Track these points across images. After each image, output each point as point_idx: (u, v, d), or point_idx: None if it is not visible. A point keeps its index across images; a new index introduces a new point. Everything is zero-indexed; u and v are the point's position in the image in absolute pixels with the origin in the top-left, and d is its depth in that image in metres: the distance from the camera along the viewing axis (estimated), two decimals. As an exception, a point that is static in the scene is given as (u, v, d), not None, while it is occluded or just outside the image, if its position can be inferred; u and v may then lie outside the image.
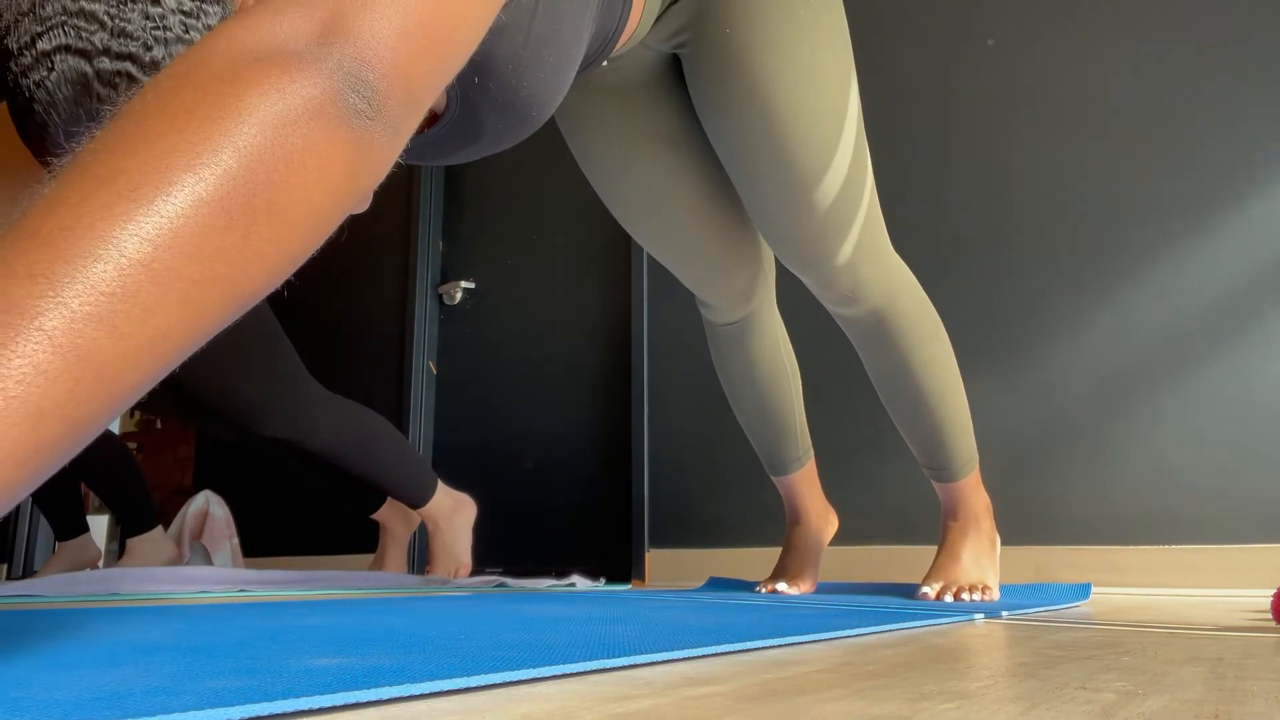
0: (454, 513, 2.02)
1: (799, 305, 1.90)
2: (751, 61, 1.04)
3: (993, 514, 1.43)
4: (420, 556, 2.78)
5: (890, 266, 1.24)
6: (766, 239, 1.21)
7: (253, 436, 1.88)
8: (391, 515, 2.09)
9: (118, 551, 3.03)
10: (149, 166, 0.42)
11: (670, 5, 1.03)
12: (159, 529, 2.30)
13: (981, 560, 1.36)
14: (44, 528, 3.96)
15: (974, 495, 1.39)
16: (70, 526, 2.36)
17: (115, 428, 4.66)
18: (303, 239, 0.49)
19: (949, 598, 1.27)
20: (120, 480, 2.24)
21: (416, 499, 1.96)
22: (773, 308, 1.45)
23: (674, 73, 1.18)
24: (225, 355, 1.68)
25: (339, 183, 0.50)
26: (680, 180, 1.22)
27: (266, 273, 0.47)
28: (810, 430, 2.08)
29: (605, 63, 1.02)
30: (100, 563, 2.47)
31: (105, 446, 2.24)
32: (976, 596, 1.28)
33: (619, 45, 0.99)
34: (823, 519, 1.58)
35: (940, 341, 1.31)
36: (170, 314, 0.43)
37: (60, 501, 2.33)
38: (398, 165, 0.57)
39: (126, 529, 2.27)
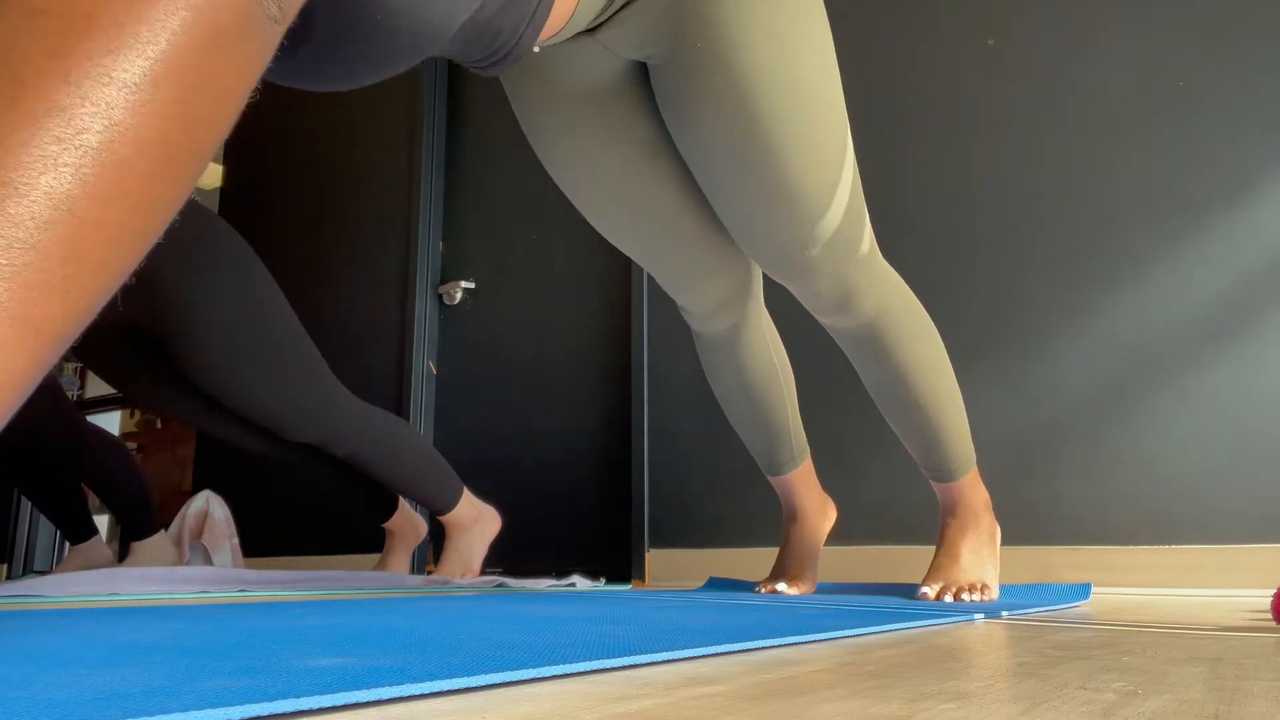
0: (474, 522, 2.02)
1: (797, 304, 1.90)
2: (725, 76, 0.98)
3: (991, 507, 1.42)
4: (422, 558, 2.78)
5: (879, 275, 1.21)
6: (745, 251, 1.17)
7: (280, 443, 1.90)
8: (402, 523, 2.09)
9: (118, 553, 3.04)
10: (88, 103, 0.39)
11: (626, 4, 0.96)
12: (161, 533, 2.30)
13: (981, 555, 1.36)
14: (44, 528, 3.96)
15: (972, 492, 1.39)
16: (80, 530, 2.36)
17: (115, 428, 4.66)
18: (210, 157, 0.46)
19: (949, 598, 1.27)
20: (125, 486, 2.24)
21: (439, 506, 1.96)
22: (761, 314, 1.42)
23: (644, 79, 1.12)
24: (256, 362, 1.69)
25: (246, 93, 0.47)
26: (653, 188, 1.17)
27: (182, 202, 0.45)
28: (810, 429, 2.09)
29: (538, 48, 0.91)
30: (111, 565, 2.47)
31: (112, 453, 2.24)
32: (976, 597, 1.28)
33: (551, 29, 0.89)
34: (819, 514, 1.58)
35: (933, 346, 1.29)
36: (113, 272, 0.41)
37: (66, 507, 2.33)
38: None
39: (129, 533, 2.27)
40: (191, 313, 1.64)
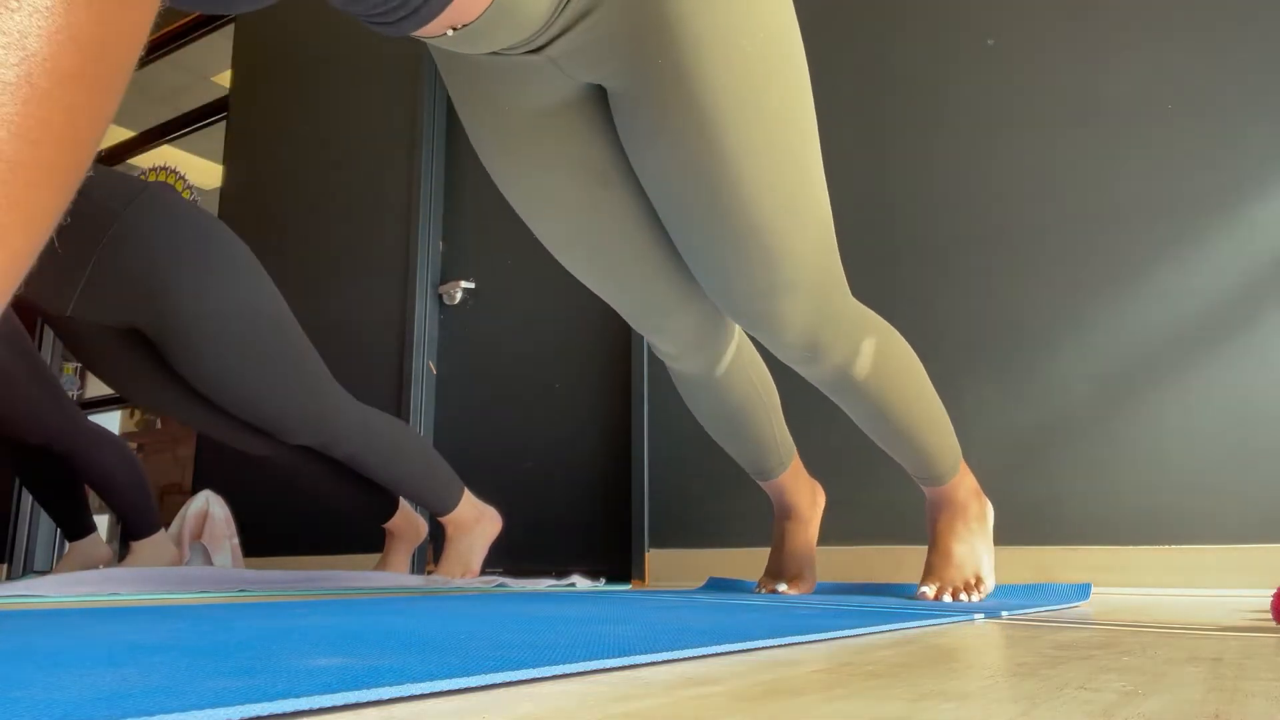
0: (475, 523, 2.03)
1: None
2: (686, 109, 0.90)
3: (980, 490, 1.41)
4: (422, 558, 2.78)
5: (849, 325, 1.14)
6: (708, 294, 1.10)
7: (280, 445, 1.90)
8: (402, 523, 2.10)
9: (119, 552, 3.04)
10: (7, 39, 0.36)
11: (581, 18, 0.87)
12: (162, 532, 2.31)
13: (973, 543, 1.35)
14: (44, 528, 3.96)
15: (961, 487, 1.38)
16: (79, 527, 2.37)
17: (115, 428, 4.66)
18: (126, 83, 0.43)
19: (947, 598, 1.27)
20: (126, 486, 2.25)
21: (439, 507, 1.97)
22: (739, 351, 1.35)
23: (600, 100, 1.05)
24: (253, 367, 1.69)
25: (156, 8, 0.43)
26: (607, 218, 1.09)
27: (106, 129, 0.42)
28: (809, 430, 2.09)
29: (449, 32, 0.82)
30: (110, 562, 2.47)
31: (113, 452, 2.24)
32: (975, 596, 1.28)
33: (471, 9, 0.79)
34: (811, 506, 1.57)
35: (911, 374, 1.25)
36: (50, 215, 0.39)
37: (66, 504, 2.34)
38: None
39: (130, 532, 2.28)
40: (189, 317, 1.63)
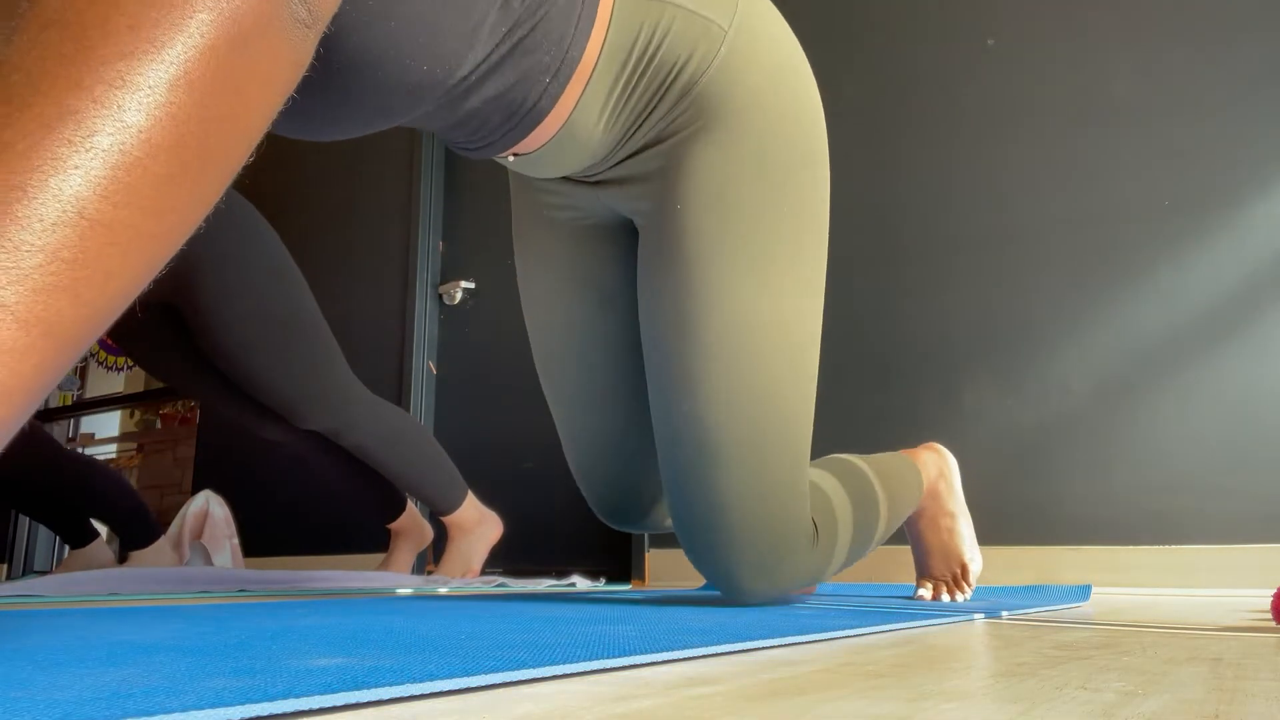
0: (477, 524, 2.04)
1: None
2: (694, 248, 0.91)
3: (941, 472, 1.30)
4: (422, 558, 2.78)
5: (819, 558, 1.00)
6: (663, 479, 1.00)
7: (292, 430, 1.91)
8: (409, 524, 2.10)
9: (119, 559, 3.04)
10: (99, 106, 0.38)
11: (631, 155, 0.94)
12: (162, 540, 2.30)
13: (954, 525, 1.30)
14: (44, 528, 3.96)
15: (928, 496, 1.34)
16: (80, 536, 2.36)
17: (115, 428, 4.66)
18: (237, 165, 0.45)
19: (945, 597, 1.27)
20: (116, 505, 2.23)
21: (443, 506, 1.98)
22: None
23: (630, 233, 1.10)
24: (274, 347, 1.72)
25: (276, 102, 0.46)
26: (598, 337, 1.10)
27: (206, 209, 0.44)
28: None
29: (512, 157, 0.91)
30: (112, 566, 2.47)
31: (96, 476, 2.22)
32: (965, 595, 1.28)
33: (537, 139, 0.87)
34: None
35: (877, 521, 1.12)
36: (128, 276, 0.41)
37: (61, 521, 2.33)
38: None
39: (129, 544, 2.27)
40: (218, 290, 1.68)
